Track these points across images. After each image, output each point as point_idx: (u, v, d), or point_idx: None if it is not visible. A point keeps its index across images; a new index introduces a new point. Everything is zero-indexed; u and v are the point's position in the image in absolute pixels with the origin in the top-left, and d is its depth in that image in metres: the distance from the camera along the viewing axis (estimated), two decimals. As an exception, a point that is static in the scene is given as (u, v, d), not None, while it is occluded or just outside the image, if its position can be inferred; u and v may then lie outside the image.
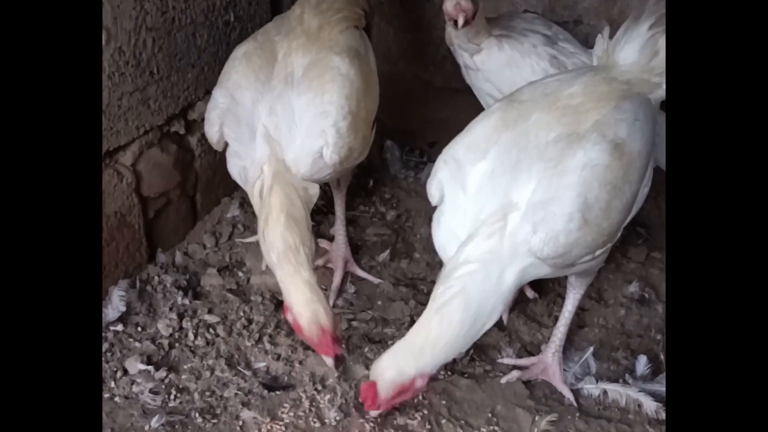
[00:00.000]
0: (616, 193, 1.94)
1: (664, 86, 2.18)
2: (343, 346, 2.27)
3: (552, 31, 2.72)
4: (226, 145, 2.33)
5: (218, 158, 2.75)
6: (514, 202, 1.90)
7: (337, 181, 2.63)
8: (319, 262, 2.67)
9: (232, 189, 2.86)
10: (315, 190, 2.32)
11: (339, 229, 2.68)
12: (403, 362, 1.94)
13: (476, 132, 2.05)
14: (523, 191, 1.91)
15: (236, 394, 2.20)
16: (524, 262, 1.91)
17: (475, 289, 1.90)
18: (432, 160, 3.12)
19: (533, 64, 2.57)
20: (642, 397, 2.18)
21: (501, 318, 2.49)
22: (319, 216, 2.94)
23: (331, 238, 2.76)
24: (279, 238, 2.18)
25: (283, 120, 2.25)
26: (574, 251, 1.92)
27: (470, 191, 1.95)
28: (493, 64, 2.59)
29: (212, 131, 2.31)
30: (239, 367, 2.29)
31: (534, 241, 1.87)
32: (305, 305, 2.14)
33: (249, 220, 2.83)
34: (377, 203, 3.05)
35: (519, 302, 2.56)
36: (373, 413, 2.07)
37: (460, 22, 2.49)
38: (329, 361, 2.21)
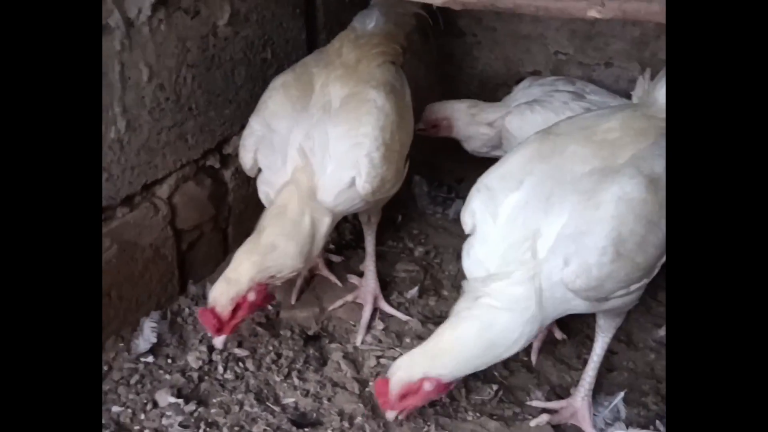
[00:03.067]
0: (651, 227, 1.93)
1: None
2: (227, 334, 2.28)
3: (576, 86, 2.80)
4: (259, 171, 2.38)
5: (250, 191, 2.79)
6: (543, 234, 1.92)
7: (368, 217, 2.65)
8: (349, 297, 2.68)
9: (263, 222, 2.89)
10: (325, 228, 2.31)
11: (369, 265, 2.70)
12: (414, 363, 1.99)
13: (511, 162, 2.07)
14: (555, 224, 1.92)
15: (265, 430, 2.20)
16: (555, 296, 1.92)
17: (495, 324, 1.93)
18: (460, 196, 3.16)
19: None
20: (672, 445, 2.16)
21: (530, 359, 2.51)
22: (348, 251, 2.96)
23: (360, 274, 2.77)
24: (260, 222, 2.28)
25: (318, 145, 2.28)
26: (606, 285, 1.91)
27: (500, 221, 1.97)
28: (529, 128, 2.64)
29: (247, 157, 2.36)
30: (268, 403, 2.30)
31: (566, 273, 1.88)
32: (223, 279, 2.22)
33: (279, 254, 2.85)
34: (405, 239, 3.07)
35: (547, 344, 2.56)
36: (389, 415, 2.06)
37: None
38: (217, 340, 2.27)
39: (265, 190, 2.37)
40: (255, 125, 2.35)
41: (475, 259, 2.00)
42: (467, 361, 1.97)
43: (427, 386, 1.98)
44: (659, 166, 1.99)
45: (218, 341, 2.27)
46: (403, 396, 2.00)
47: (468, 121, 2.87)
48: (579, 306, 1.97)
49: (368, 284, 2.68)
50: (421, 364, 1.97)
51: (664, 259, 2.05)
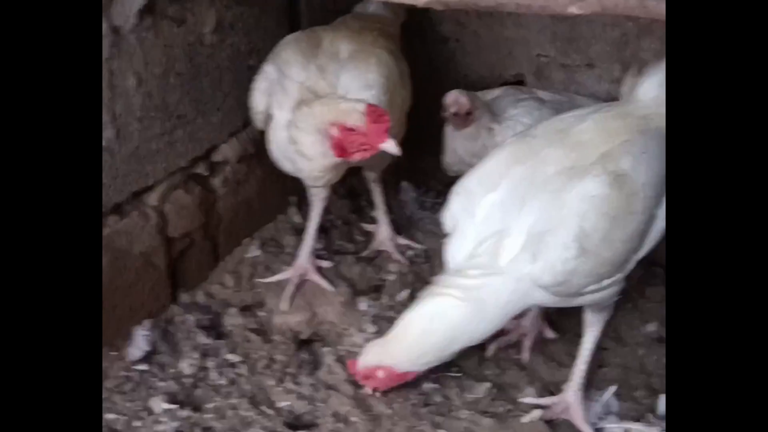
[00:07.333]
0: (616, 223, 2.01)
1: None
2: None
3: (525, 92, 2.82)
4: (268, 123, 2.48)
5: (239, 199, 2.82)
6: (513, 231, 2.00)
7: (373, 176, 2.89)
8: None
9: (252, 230, 2.92)
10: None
11: (381, 216, 2.97)
12: (372, 351, 2.17)
13: (489, 165, 2.15)
14: (525, 222, 1.99)
15: (260, 433, 2.22)
16: (526, 290, 1.99)
17: (452, 314, 2.01)
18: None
19: None
20: (666, 437, 2.19)
21: (521, 357, 2.53)
22: (338, 256, 2.96)
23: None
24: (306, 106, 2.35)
25: (327, 84, 2.45)
26: (574, 280, 1.99)
27: (477, 219, 2.05)
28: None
29: (259, 98, 2.49)
30: (262, 407, 2.31)
31: (534, 270, 1.96)
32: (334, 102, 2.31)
33: (269, 261, 2.86)
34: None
35: (538, 342, 2.58)
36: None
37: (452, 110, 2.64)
38: (389, 146, 2.26)
39: (278, 135, 2.44)
40: (269, 70, 2.49)
41: (450, 252, 2.10)
42: (411, 349, 2.07)
43: (380, 374, 2.15)
44: (626, 163, 2.06)
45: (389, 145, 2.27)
46: (367, 378, 2.20)
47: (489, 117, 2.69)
48: (544, 299, 2.04)
49: (382, 232, 2.92)
50: (377, 353, 2.13)
51: (640, 254, 2.10)
